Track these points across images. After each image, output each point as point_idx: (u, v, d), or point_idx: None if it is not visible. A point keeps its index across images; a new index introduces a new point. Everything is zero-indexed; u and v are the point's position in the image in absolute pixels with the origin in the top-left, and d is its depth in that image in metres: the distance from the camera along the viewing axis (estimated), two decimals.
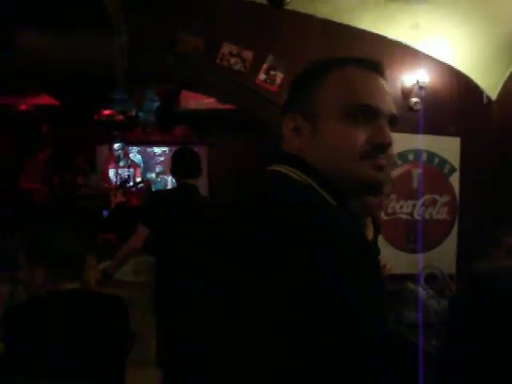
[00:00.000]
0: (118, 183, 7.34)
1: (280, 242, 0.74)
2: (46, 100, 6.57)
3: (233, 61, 4.02)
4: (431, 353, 2.80)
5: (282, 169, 0.94)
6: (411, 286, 3.57)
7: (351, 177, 0.92)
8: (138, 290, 3.52)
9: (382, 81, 1.01)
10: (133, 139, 7.86)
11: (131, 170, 7.69)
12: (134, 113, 7.25)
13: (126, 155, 7.81)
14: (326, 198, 0.90)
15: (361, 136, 0.92)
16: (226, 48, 4.02)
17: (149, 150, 8.54)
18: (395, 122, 0.99)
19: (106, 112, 7.28)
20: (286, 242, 0.73)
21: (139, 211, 3.95)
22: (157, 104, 6.82)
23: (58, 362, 1.86)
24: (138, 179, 7.58)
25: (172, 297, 2.91)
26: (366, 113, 0.94)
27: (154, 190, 7.23)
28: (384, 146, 0.94)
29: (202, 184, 6.97)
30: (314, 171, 0.92)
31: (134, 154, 8.34)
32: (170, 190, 4.01)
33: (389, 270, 2.79)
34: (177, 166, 3.59)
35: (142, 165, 8.29)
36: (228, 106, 5.96)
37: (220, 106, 6.25)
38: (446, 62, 4.48)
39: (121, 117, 7.32)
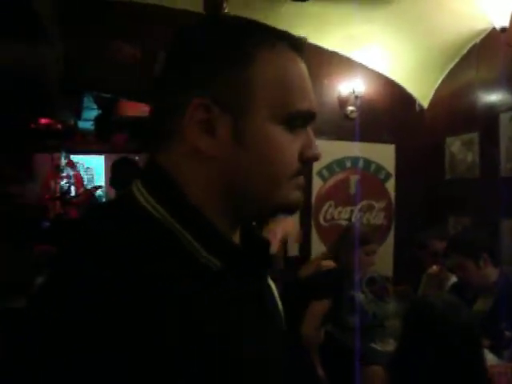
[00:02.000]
0: (58, 194, 7.11)
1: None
2: None
3: None
4: (368, 355, 2.87)
5: (140, 194, 0.68)
6: (350, 290, 3.65)
7: (273, 199, 0.71)
8: None
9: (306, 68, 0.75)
10: (72, 148, 7.67)
11: (72, 180, 7.42)
12: (72, 121, 7.08)
13: (70, 164, 7.56)
14: (196, 249, 0.66)
15: (296, 149, 0.71)
16: (163, 57, 4.00)
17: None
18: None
19: (44, 121, 7.08)
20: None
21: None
22: (96, 112, 6.69)
23: None
24: (81, 190, 7.36)
25: None
26: (305, 120, 0.72)
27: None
28: (314, 161, 0.74)
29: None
30: (183, 205, 0.67)
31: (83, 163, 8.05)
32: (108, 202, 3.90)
33: None
34: (116, 176, 3.50)
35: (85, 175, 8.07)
36: None
37: None
38: (381, 71, 4.63)
39: (59, 125, 7.13)
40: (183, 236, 0.65)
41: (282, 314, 0.88)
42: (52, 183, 7.29)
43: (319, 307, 2.93)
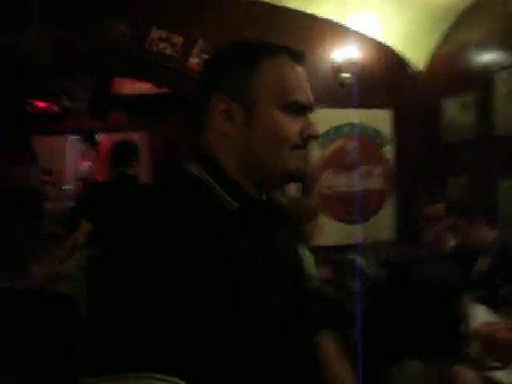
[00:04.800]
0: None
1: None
2: None
3: (162, 45, 4.00)
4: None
5: (191, 165, 0.97)
6: (351, 256, 3.71)
7: (280, 166, 0.97)
8: (83, 284, 3.49)
9: (305, 72, 1.03)
10: (69, 128, 7.66)
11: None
12: (67, 102, 7.05)
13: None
14: (221, 193, 0.95)
15: (295, 128, 0.97)
16: (156, 33, 3.99)
17: None
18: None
19: (39, 104, 7.06)
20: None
21: (81, 205, 3.90)
22: (90, 91, 6.67)
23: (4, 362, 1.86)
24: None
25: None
26: (301, 109, 0.99)
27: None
28: (314, 139, 1.00)
29: (144, 171, 6.89)
30: (212, 164, 0.97)
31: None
32: (108, 181, 3.97)
33: None
34: (114, 156, 3.58)
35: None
36: (167, 90, 5.87)
37: (159, 89, 6.15)
38: (375, 37, 4.60)
39: (55, 107, 7.11)
40: (215, 188, 0.94)
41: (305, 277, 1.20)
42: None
43: None
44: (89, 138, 6.67)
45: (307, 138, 0.99)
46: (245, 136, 0.95)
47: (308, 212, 2.99)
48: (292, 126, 0.97)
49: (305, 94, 1.00)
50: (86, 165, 7.08)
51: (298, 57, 1.02)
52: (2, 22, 3.69)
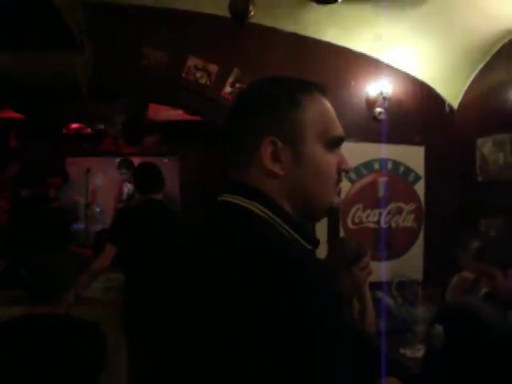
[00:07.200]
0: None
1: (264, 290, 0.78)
2: (12, 113, 6.45)
3: (198, 74, 4.05)
4: (398, 361, 2.84)
5: (243, 202, 0.93)
6: (378, 294, 3.62)
7: (325, 203, 1.00)
8: (108, 309, 3.48)
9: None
10: (102, 151, 7.78)
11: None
12: (102, 126, 7.18)
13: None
14: (295, 237, 0.94)
15: (335, 165, 1.00)
16: (192, 61, 4.04)
17: None
18: None
19: (75, 126, 7.21)
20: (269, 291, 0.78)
21: (107, 229, 3.92)
22: (125, 116, 6.79)
23: None
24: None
25: (142, 317, 2.91)
26: (338, 143, 1.01)
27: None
28: (346, 172, 1.04)
29: (173, 196, 6.93)
30: (278, 208, 0.94)
31: None
32: (135, 206, 3.98)
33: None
34: (139, 181, 3.60)
35: None
36: (198, 117, 5.95)
37: (191, 116, 6.24)
38: (409, 72, 4.57)
39: (89, 130, 7.25)
40: (288, 232, 0.93)
41: None
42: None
43: None
44: (124, 164, 6.69)
45: (341, 172, 1.02)
46: (294, 175, 0.95)
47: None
48: (333, 163, 0.99)
49: (340, 128, 1.02)
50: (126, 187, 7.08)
51: (325, 91, 1.03)
52: (44, 47, 3.79)
